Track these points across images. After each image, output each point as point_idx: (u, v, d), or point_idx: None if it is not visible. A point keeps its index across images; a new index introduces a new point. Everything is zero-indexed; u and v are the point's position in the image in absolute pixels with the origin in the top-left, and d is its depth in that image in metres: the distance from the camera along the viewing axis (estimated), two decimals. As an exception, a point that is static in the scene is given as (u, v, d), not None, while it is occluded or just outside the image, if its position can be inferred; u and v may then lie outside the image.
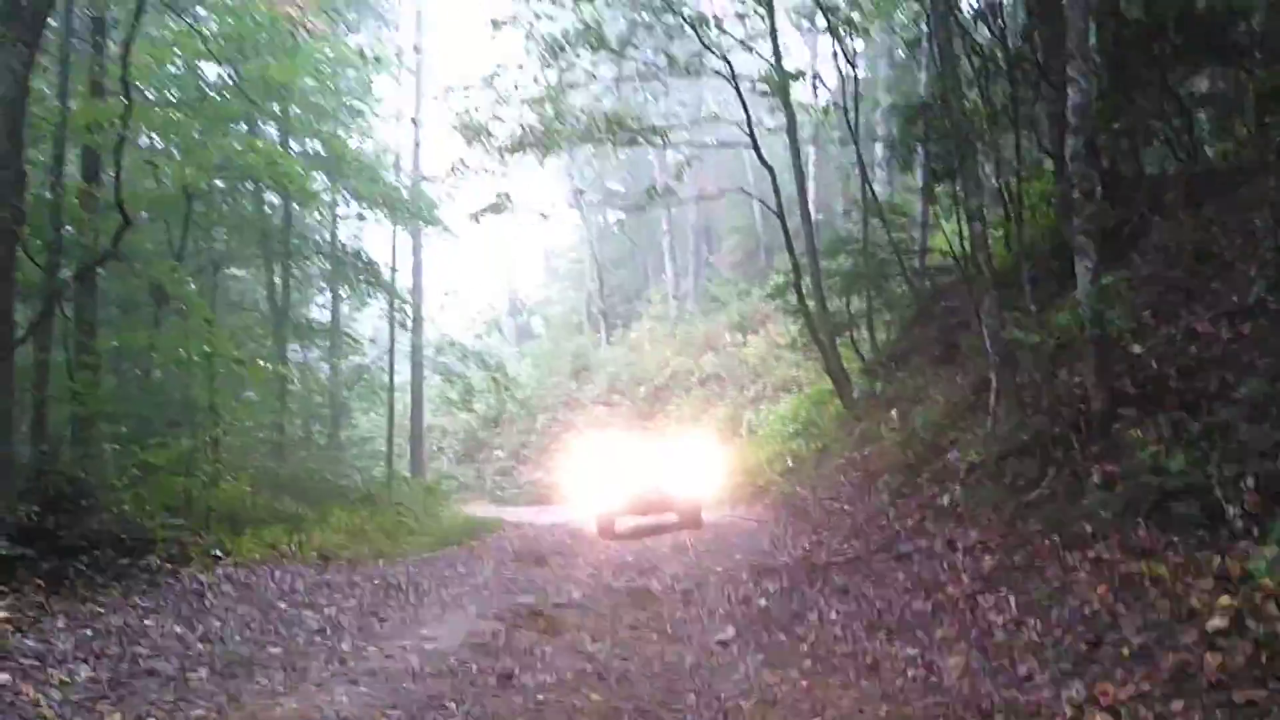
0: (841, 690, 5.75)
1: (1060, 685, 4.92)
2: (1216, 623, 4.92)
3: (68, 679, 5.68)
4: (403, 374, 29.25)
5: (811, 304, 18.54)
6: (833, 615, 8.16)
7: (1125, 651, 5.05)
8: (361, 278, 24.09)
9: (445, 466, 36.14)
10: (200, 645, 6.84)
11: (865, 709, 5.19)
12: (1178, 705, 4.22)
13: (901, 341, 18.37)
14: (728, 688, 6.47)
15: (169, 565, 8.94)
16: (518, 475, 34.56)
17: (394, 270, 26.76)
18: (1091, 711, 4.45)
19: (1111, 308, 8.30)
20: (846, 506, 14.20)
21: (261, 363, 15.22)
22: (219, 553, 10.02)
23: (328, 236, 25.19)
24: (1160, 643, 5.02)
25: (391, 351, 26.90)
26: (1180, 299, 9.25)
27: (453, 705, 5.83)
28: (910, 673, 5.88)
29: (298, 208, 21.59)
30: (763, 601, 9.54)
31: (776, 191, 19.14)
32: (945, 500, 10.18)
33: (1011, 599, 6.74)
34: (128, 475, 12.00)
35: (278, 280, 22.10)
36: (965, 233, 11.87)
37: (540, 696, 6.17)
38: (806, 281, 18.66)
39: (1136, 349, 8.92)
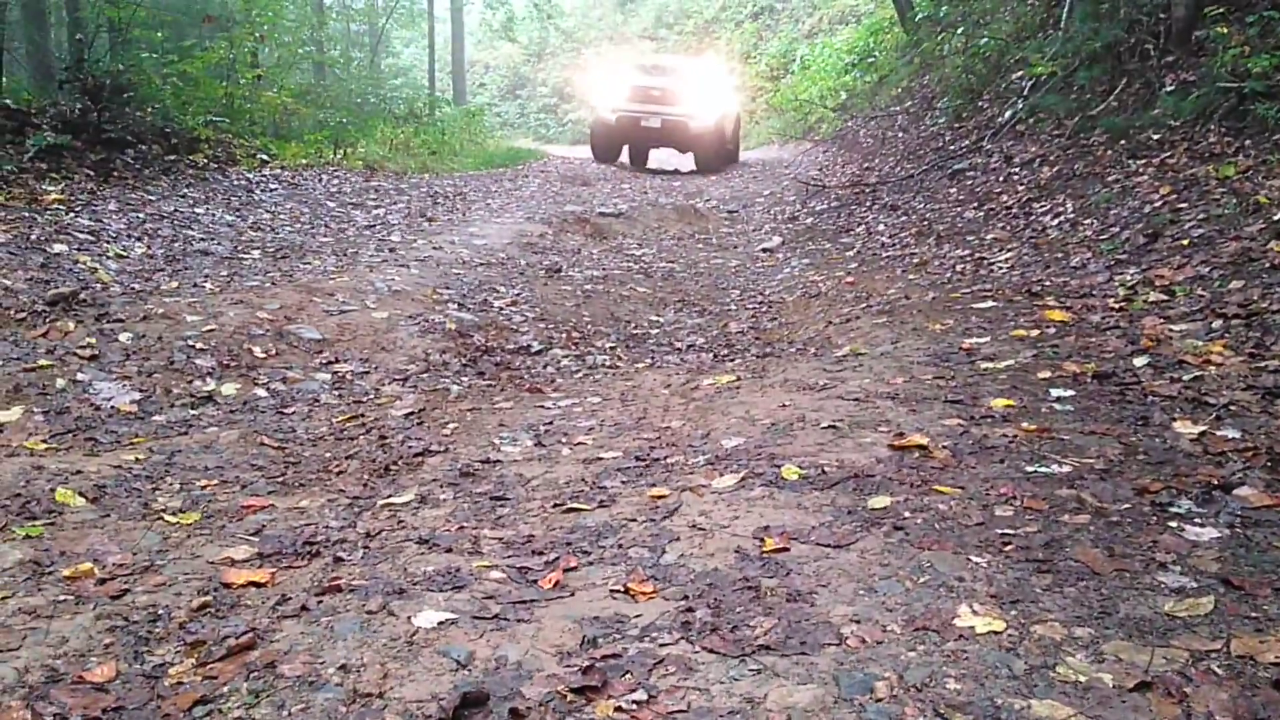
0: (887, 283, 5.73)
1: (1114, 271, 4.86)
2: (1283, 214, 4.77)
3: (123, 253, 5.77)
4: (443, 1, 28.03)
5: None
6: (880, 227, 8.09)
7: (1185, 241, 4.93)
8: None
9: (487, 101, 35.44)
10: (252, 232, 6.91)
11: (912, 295, 5.17)
12: (1236, 284, 4.13)
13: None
14: (772, 285, 6.51)
15: (216, 164, 8.93)
16: (561, 113, 33.91)
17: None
18: (1145, 291, 4.39)
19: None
20: (901, 133, 13.85)
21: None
22: (265, 156, 9.97)
23: None
24: (1222, 233, 4.89)
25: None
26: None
27: (502, 289, 5.92)
28: (959, 268, 5.84)
29: None
30: (810, 219, 9.49)
31: None
32: (1006, 116, 9.82)
33: (1068, 204, 6.59)
34: (169, 81, 11.80)
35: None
36: None
37: (587, 286, 6.24)
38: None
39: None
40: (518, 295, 5.78)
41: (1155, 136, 7.00)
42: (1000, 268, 5.59)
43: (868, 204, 9.45)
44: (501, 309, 5.46)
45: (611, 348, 5.05)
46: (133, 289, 5.04)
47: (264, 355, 4.23)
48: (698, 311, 5.95)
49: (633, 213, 9.27)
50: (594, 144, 15.55)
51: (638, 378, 4.06)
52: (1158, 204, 5.72)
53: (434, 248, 6.86)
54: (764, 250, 7.80)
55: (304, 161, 10.20)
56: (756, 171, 14.91)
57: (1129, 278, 4.65)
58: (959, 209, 7.75)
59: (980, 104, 11.37)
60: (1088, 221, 5.99)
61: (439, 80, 29.18)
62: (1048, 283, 4.95)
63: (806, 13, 28.53)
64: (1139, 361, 3.44)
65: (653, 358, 4.87)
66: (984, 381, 3.33)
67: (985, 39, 12.09)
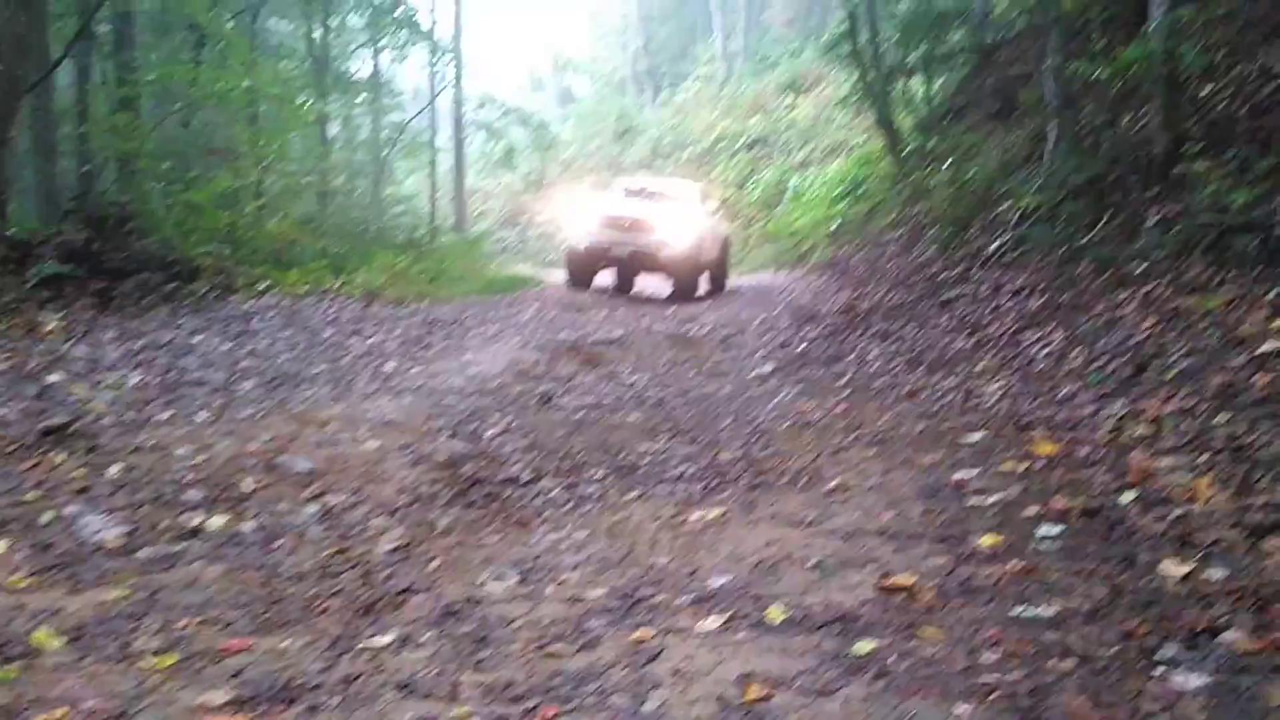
0: (879, 412, 5.76)
1: (1102, 404, 4.89)
2: (1268, 346, 4.83)
3: (119, 383, 5.81)
4: (445, 133, 28.78)
5: (867, 56, 17.81)
6: (872, 355, 8.16)
7: (1170, 374, 4.99)
8: (402, 28, 23.40)
9: (488, 228, 36.05)
10: (248, 361, 6.96)
11: (902, 425, 5.20)
12: (1222, 418, 4.16)
13: (958, 96, 17.72)
14: (764, 413, 6.53)
15: (216, 292, 9.05)
16: (559, 240, 34.38)
17: (434, 21, 25.97)
18: (1132, 425, 4.41)
19: (1183, 44, 7.85)
20: (892, 261, 14.07)
21: (300, 102, 14.96)
22: (265, 284, 10.11)
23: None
24: (1208, 365, 4.94)
25: (432, 106, 26.47)
26: (1258, 38, 8.71)
27: (494, 417, 5.93)
28: (949, 398, 5.88)
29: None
30: (803, 345, 9.56)
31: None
32: (994, 246, 10.00)
33: (1056, 333, 6.67)
34: (174, 210, 12.06)
35: (316, 34, 21.52)
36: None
37: (579, 415, 6.26)
38: (863, 34, 17.88)
39: (1206, 90, 8.51)
40: (509, 424, 5.80)
41: (1140, 268, 7.13)
42: (990, 398, 5.63)
43: (860, 331, 9.55)
44: (493, 438, 5.46)
45: (602, 478, 5.03)
46: (126, 420, 5.06)
47: (254, 487, 4.22)
48: (689, 440, 5.94)
49: (626, 340, 9.36)
50: (569, 271, 15.57)
51: (626, 510, 4.05)
52: (1143, 336, 5.79)
53: (428, 375, 6.91)
54: (757, 378, 7.84)
55: (304, 289, 10.34)
56: (750, 298, 15.08)
57: (1116, 410, 4.68)
58: (949, 337, 7.83)
59: (969, 234, 11.59)
60: (1075, 352, 6.06)
61: (441, 207, 29.81)
62: (1036, 414, 4.98)
63: (799, 145, 29.25)
64: (1125, 498, 3.45)
65: (643, 488, 4.84)
66: (972, 517, 3.33)
67: (973, 171, 12.39)
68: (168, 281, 8.56)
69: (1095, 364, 5.71)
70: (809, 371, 7.90)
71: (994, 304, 8.27)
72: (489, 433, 5.57)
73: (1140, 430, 4.33)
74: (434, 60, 24.86)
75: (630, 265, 14.84)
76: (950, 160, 14.16)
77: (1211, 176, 7.07)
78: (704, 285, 16.12)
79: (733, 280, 19.68)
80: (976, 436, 4.61)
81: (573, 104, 48.66)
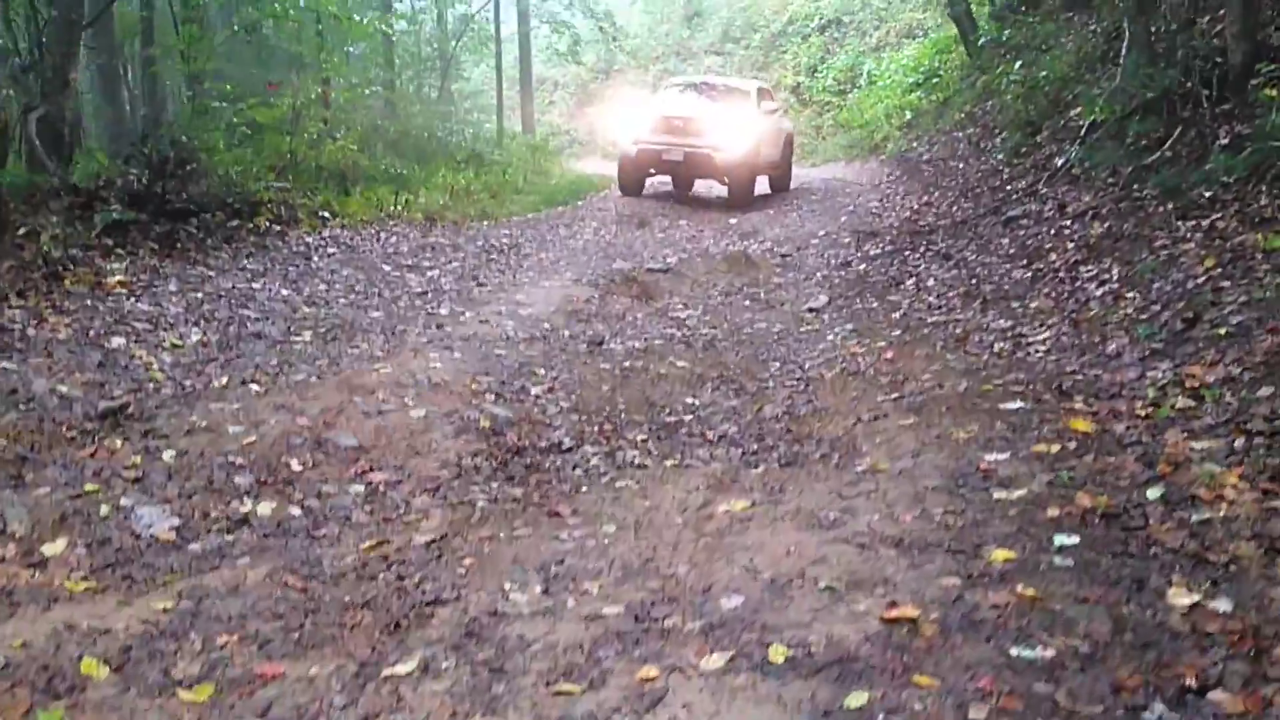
0: (925, 362, 5.73)
1: (1147, 365, 4.81)
2: (1324, 303, 4.69)
3: (179, 342, 6.01)
4: (509, 25, 28.34)
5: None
6: (930, 282, 8.06)
7: (1222, 331, 4.86)
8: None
9: (557, 119, 35.73)
10: (306, 308, 7.12)
11: (945, 384, 5.17)
12: (1265, 391, 4.08)
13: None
14: (813, 357, 6.53)
15: (277, 227, 9.20)
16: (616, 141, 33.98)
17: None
18: (1174, 394, 4.34)
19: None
20: (962, 163, 13.74)
21: (358, 19, 14.89)
22: (326, 214, 10.24)
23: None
24: (1260, 322, 4.81)
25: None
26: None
27: (542, 371, 6.03)
28: (998, 346, 5.82)
29: None
30: (862, 266, 9.47)
31: None
32: (1062, 160, 9.70)
33: (1114, 269, 6.52)
34: (238, 134, 12.20)
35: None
36: None
37: (627, 363, 6.33)
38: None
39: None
40: (555, 379, 5.89)
41: (1207, 194, 6.89)
42: (1037, 350, 5.55)
43: (922, 249, 9.41)
44: (538, 397, 5.57)
45: (643, 440, 5.12)
46: (183, 388, 5.25)
47: (301, 468, 4.39)
48: (735, 390, 5.99)
49: (681, 266, 9.35)
50: (620, 178, 15.23)
51: (660, 492, 4.14)
52: (1200, 279, 5.64)
53: (480, 321, 7.01)
54: (810, 310, 7.82)
55: (364, 218, 10.44)
56: (816, 201, 14.84)
57: (1160, 375, 4.60)
58: (1008, 266, 7.69)
59: (1039, 140, 11.25)
60: (1130, 295, 5.92)
61: (511, 100, 29.57)
62: (1080, 376, 4.92)
63: (874, 26, 28.33)
64: (1152, 493, 3.43)
65: (682, 452, 4.93)
66: (992, 519, 3.35)
67: (1044, 71, 11.94)
68: (230, 219, 8.71)
69: (1148, 311, 5.58)
70: (864, 303, 7.85)
71: (1057, 227, 8.07)
72: (535, 390, 5.68)
73: (1181, 402, 4.26)
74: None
75: (684, 170, 14.40)
76: (1020, 61, 13.64)
77: (1283, 100, 6.77)
78: (764, 186, 15.77)
79: (804, 173, 19.36)
80: (1015, 406, 4.57)
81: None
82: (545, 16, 27.65)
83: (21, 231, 7.09)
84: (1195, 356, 4.71)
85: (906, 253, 9.50)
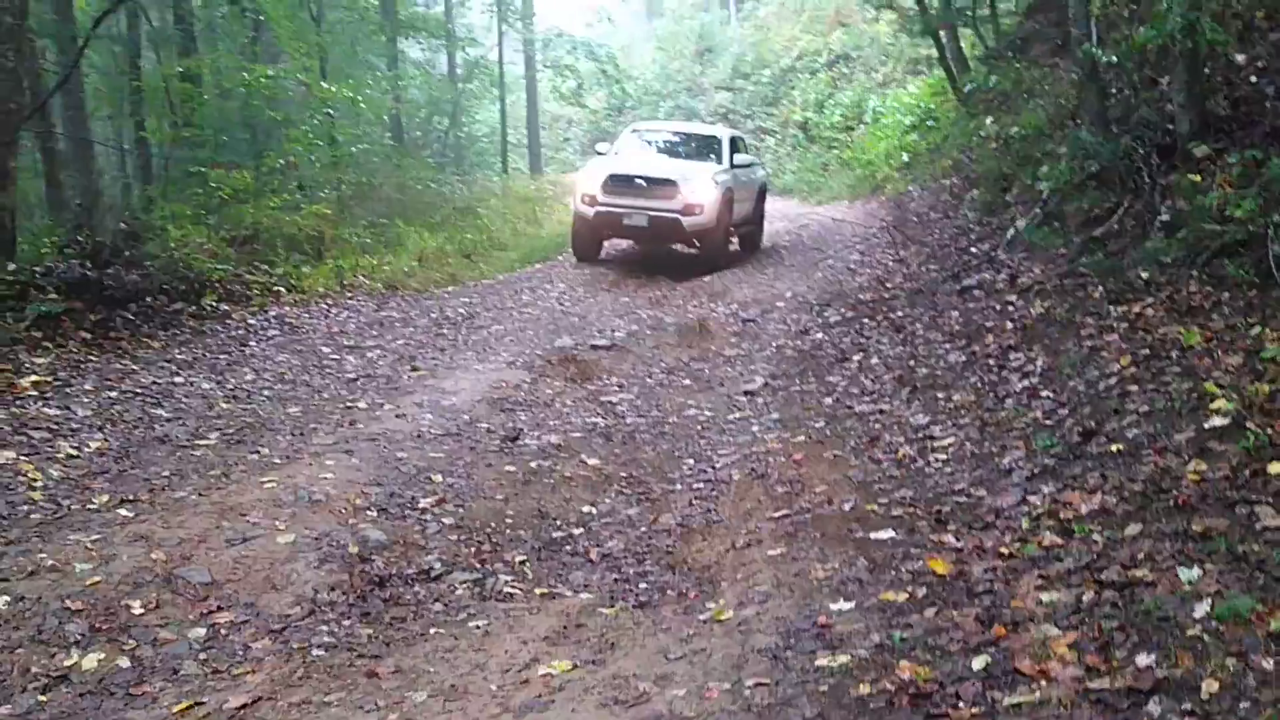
0: (829, 468, 5.56)
1: (1031, 487, 4.60)
2: (1217, 421, 4.47)
3: (75, 451, 5.92)
4: (516, 69, 28.54)
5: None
6: (874, 360, 7.89)
7: (1114, 447, 4.66)
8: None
9: (569, 157, 35.84)
10: (224, 404, 7.03)
11: (835, 499, 5.00)
12: (1133, 529, 3.86)
13: (1025, 25, 16.78)
14: (729, 454, 6.35)
15: (224, 307, 9.15)
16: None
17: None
18: (1045, 527, 4.13)
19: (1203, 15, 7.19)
20: (940, 218, 13.52)
21: (360, 101, 14.99)
22: (282, 289, 10.18)
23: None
24: (1152, 438, 4.60)
25: (500, 44, 26.14)
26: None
27: (439, 478, 5.87)
28: (903, 451, 5.62)
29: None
30: (819, 335, 9.28)
31: None
32: (1023, 224, 9.50)
33: (1039, 360, 6.33)
34: (215, 198, 12.20)
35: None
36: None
37: (534, 464, 6.16)
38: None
39: (1239, 58, 7.86)
40: (450, 487, 5.74)
41: (1144, 276, 6.70)
42: (937, 460, 5.36)
43: (879, 318, 9.20)
44: (424, 511, 5.41)
45: (521, 561, 4.98)
46: (55, 509, 5.15)
47: (142, 610, 4.25)
48: (639, 495, 5.84)
49: (629, 340, 9.17)
50: (574, 244, 13.55)
51: (493, 646, 3.97)
52: (1113, 380, 5.45)
53: (397, 415, 6.88)
54: (745, 393, 7.64)
55: (321, 291, 10.37)
56: (797, 254, 14.57)
57: (1039, 503, 4.40)
58: (948, 346, 7.50)
59: (1008, 199, 11.06)
60: (1045, 394, 5.74)
61: (517, 138, 29.71)
62: (964, 498, 4.72)
63: (880, 62, 28.13)
64: (977, 663, 3.22)
65: (559, 576, 4.79)
66: (800, 698, 3.15)
67: (1015, 129, 11.75)
68: (172, 303, 8.67)
69: (1055, 416, 5.38)
70: (801, 385, 7.66)
71: (1003, 302, 7.87)
72: (425, 502, 5.53)
73: (1049, 538, 4.05)
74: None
75: (649, 236, 13.03)
76: (1005, 104, 13.40)
77: (1217, 178, 6.56)
78: (735, 243, 14.37)
79: (804, 211, 19.17)
80: (887, 535, 4.38)
81: (659, 19, 47.54)
82: (550, 61, 27.73)
83: (-58, 329, 7.08)
84: (1079, 480, 4.50)
85: (864, 320, 9.30)
